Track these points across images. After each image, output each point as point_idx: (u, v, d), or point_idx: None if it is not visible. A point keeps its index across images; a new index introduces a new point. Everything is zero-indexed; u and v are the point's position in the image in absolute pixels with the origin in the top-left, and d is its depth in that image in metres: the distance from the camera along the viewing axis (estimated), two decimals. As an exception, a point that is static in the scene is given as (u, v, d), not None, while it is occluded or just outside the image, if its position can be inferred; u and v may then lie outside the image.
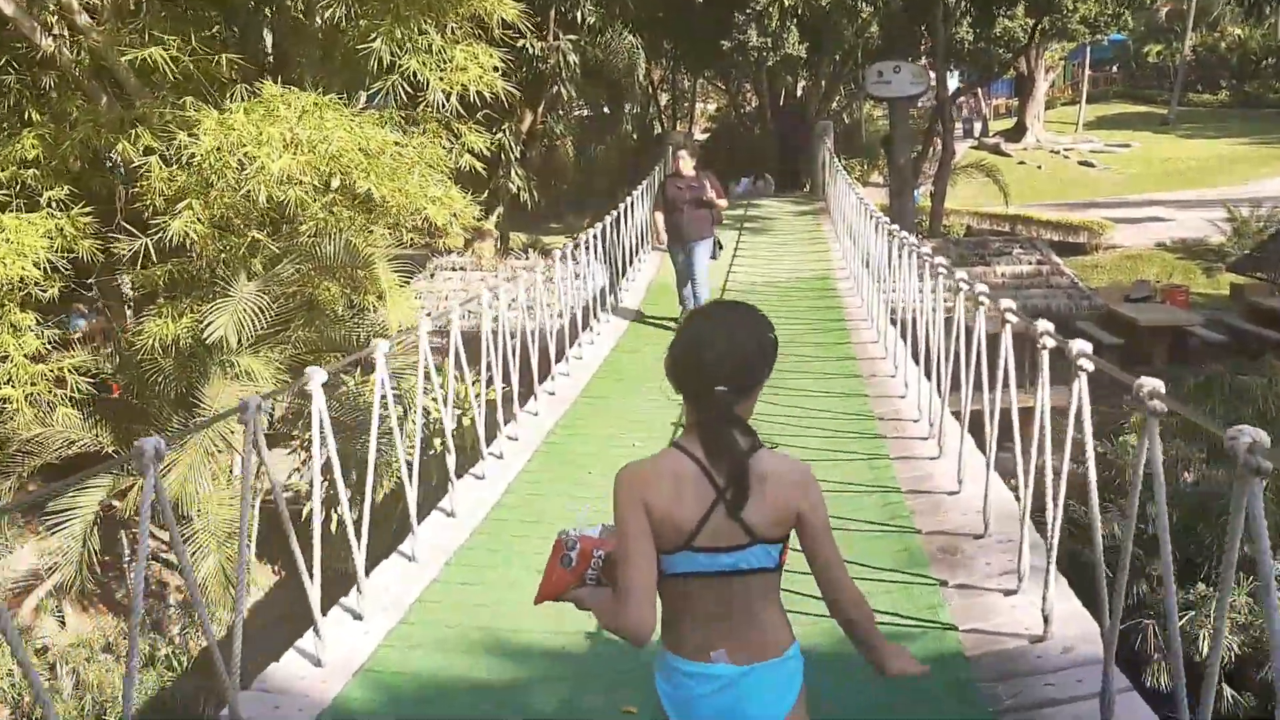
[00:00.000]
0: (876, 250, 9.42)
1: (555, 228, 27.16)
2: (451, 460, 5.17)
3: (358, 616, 4.09)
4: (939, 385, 5.70)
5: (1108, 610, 3.07)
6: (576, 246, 9.33)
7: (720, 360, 1.92)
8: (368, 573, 4.30)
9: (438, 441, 10.51)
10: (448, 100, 10.02)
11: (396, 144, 9.40)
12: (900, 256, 7.82)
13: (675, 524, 1.91)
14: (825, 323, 9.38)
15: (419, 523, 4.76)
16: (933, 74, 21.20)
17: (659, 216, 9.34)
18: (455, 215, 10.34)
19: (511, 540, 4.88)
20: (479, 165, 10.76)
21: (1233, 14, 42.56)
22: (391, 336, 7.18)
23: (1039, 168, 34.65)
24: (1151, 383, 2.83)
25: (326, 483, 11.50)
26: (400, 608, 4.20)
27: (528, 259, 17.10)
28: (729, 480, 1.91)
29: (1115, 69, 48.05)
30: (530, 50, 16.64)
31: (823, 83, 29.10)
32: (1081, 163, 35.79)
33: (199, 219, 8.71)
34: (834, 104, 31.41)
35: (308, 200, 8.94)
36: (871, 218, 9.42)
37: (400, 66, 9.81)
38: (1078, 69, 44.80)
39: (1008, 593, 3.92)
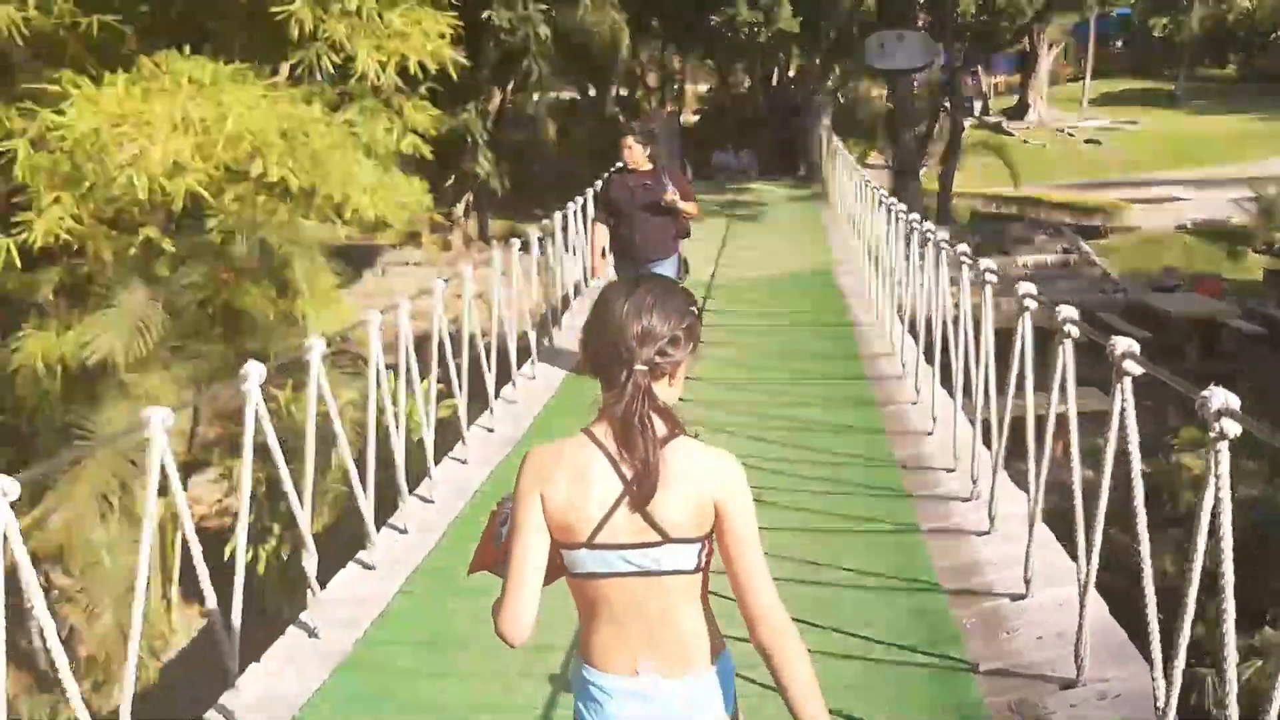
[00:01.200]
0: (888, 243, 8.02)
1: (539, 214, 25.72)
2: (311, 564, 3.75)
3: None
4: (985, 431, 4.28)
5: None
6: (525, 245, 7.79)
7: (640, 337, 1.73)
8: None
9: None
10: (383, 72, 8.56)
11: (317, 123, 7.93)
12: (918, 250, 6.41)
13: (576, 518, 1.72)
14: (828, 329, 7.96)
15: (241, 671, 3.29)
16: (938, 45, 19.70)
17: (599, 230, 6.92)
18: (399, 205, 8.92)
19: (391, 683, 3.42)
20: (425, 148, 9.28)
21: (1242, -16, 41.08)
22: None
23: (1044, 146, 33.23)
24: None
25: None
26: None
27: (491, 250, 15.57)
28: (637, 471, 1.70)
29: (1119, 44, 46.52)
30: (496, 21, 15.15)
31: (817, 60, 27.79)
32: (1088, 141, 34.43)
33: (71, 214, 7.23)
34: (829, 82, 30.06)
35: (206, 190, 7.48)
36: (881, 204, 7.96)
37: (324, 33, 8.34)
38: (1079, 45, 43.36)
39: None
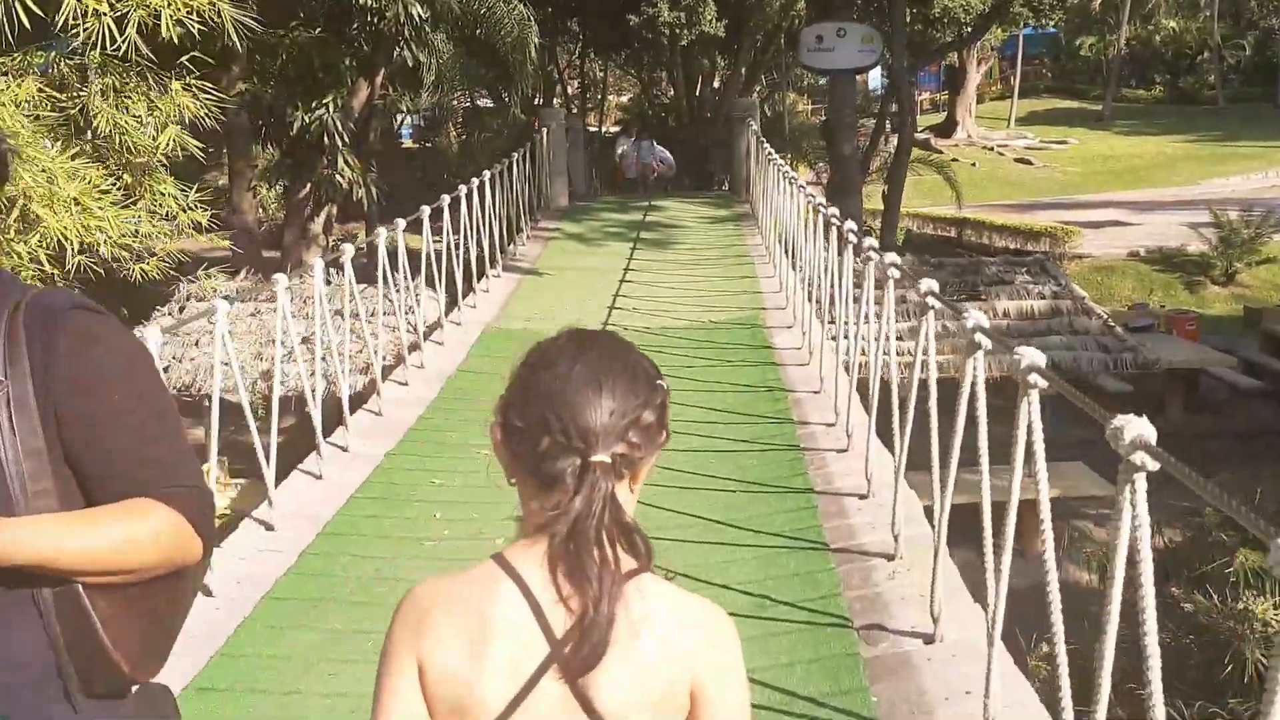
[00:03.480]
0: (841, 284, 5.68)
1: (439, 225, 23.10)
2: None
3: None
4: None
5: None
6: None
7: (599, 417, 1.09)
8: None
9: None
10: (119, 34, 5.90)
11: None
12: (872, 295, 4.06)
13: (468, 696, 1.07)
14: (758, 420, 5.50)
15: None
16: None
17: None
18: (161, 222, 6.28)
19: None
20: (194, 143, 6.61)
21: (1167, 6, 40.72)
22: None
23: (974, 165, 31.88)
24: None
25: None
26: None
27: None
28: (580, 621, 1.06)
29: (1044, 63, 45.97)
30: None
31: (743, 70, 26.04)
32: (1018, 160, 33.29)
33: None
34: (755, 93, 28.34)
35: None
36: (844, 240, 5.54)
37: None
38: (1005, 63, 42.60)
39: None
